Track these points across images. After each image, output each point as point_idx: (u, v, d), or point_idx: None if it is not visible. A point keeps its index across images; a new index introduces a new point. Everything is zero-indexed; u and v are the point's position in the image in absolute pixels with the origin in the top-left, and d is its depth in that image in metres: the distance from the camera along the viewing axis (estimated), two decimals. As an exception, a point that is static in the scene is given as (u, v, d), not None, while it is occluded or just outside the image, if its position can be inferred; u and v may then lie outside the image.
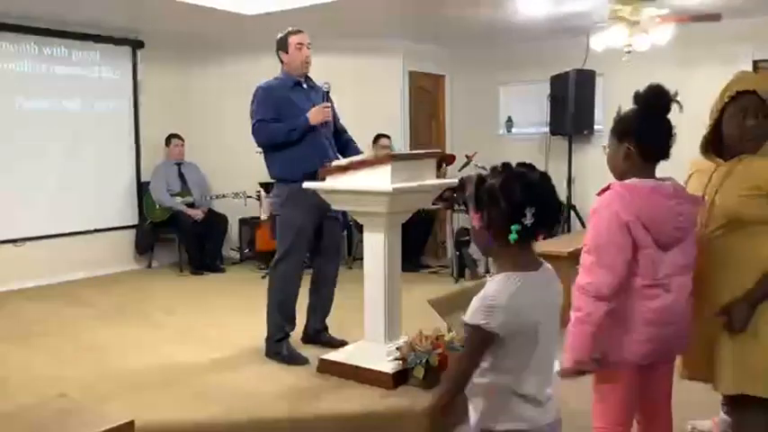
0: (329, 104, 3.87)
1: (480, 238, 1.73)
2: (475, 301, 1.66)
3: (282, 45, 3.90)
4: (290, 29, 3.93)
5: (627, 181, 2.08)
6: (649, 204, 2.03)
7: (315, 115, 3.77)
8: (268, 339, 3.91)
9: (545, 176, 1.67)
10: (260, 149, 3.89)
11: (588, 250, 2.08)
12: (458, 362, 1.75)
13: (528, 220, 1.60)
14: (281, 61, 3.94)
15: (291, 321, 3.93)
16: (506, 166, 1.69)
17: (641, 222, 2.01)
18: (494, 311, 1.62)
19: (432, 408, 1.70)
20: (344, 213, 4.17)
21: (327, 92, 3.91)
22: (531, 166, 1.69)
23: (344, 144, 4.07)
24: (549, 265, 1.77)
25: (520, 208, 1.60)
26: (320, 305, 4.08)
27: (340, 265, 4.23)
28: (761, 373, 2.19)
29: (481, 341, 1.64)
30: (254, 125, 3.83)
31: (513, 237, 1.61)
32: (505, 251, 1.68)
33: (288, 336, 3.92)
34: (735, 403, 2.35)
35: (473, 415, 1.78)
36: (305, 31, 3.92)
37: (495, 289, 1.65)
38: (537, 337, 1.67)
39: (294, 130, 3.76)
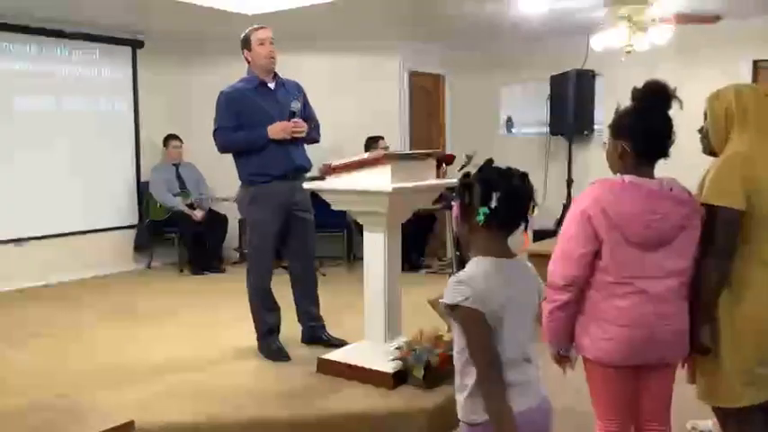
0: (291, 125, 3.75)
1: (458, 226, 1.82)
2: (450, 283, 1.74)
3: (246, 42, 3.84)
4: (254, 25, 3.88)
5: (606, 178, 2.09)
6: (619, 200, 2.00)
7: (275, 131, 3.74)
8: (257, 336, 3.97)
9: (523, 176, 1.75)
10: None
11: (557, 239, 2.15)
12: (473, 355, 1.69)
13: (493, 203, 1.69)
14: (247, 61, 3.89)
15: (272, 314, 3.94)
16: (489, 161, 1.78)
17: (609, 218, 1.98)
18: (467, 288, 1.69)
19: (492, 413, 1.68)
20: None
21: (294, 112, 3.80)
22: (514, 169, 1.76)
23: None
24: (525, 262, 1.87)
25: (488, 192, 1.70)
26: (304, 303, 4.07)
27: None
28: (717, 386, 2.20)
29: (475, 319, 1.69)
30: (214, 132, 3.85)
31: (479, 218, 1.71)
32: (478, 237, 1.77)
33: (274, 331, 3.94)
34: (726, 414, 2.35)
35: (459, 409, 1.81)
36: (268, 27, 3.85)
37: (466, 270, 1.75)
38: (502, 321, 1.70)
39: (253, 143, 3.77)
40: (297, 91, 3.98)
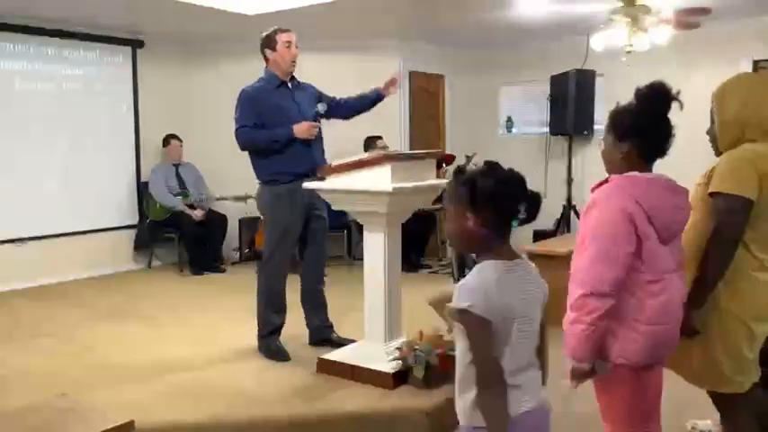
0: (318, 125, 3.86)
1: (469, 238, 1.72)
2: (458, 288, 1.70)
3: (269, 43, 3.87)
4: (276, 27, 3.91)
5: (626, 174, 2.06)
6: (650, 195, 1.99)
7: (300, 130, 3.77)
8: (258, 335, 3.96)
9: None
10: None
11: (586, 245, 2.00)
12: (476, 366, 1.67)
13: (522, 215, 1.68)
14: (267, 59, 3.92)
15: (280, 316, 3.95)
16: (493, 165, 1.72)
17: (645, 213, 1.96)
18: (477, 294, 1.65)
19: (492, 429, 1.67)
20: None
21: (320, 113, 3.89)
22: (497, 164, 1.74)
23: (343, 105, 4.09)
24: (529, 262, 1.80)
25: (515, 205, 1.68)
26: (313, 304, 4.08)
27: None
28: (702, 370, 2.23)
29: (481, 328, 1.65)
30: (236, 130, 3.85)
31: (514, 226, 1.70)
32: (492, 246, 1.73)
33: (277, 331, 3.94)
34: (716, 400, 2.36)
35: (459, 411, 1.79)
36: (291, 30, 3.90)
37: (479, 275, 1.70)
38: (513, 323, 1.68)
39: (276, 141, 3.78)
40: (312, 90, 4.04)
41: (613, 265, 1.94)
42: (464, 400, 1.75)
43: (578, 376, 2.03)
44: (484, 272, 1.70)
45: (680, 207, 2.04)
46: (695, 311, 2.18)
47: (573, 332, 1.97)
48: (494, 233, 1.71)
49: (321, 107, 3.92)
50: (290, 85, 3.94)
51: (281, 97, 3.88)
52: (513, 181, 1.69)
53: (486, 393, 1.66)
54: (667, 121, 2.06)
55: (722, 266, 2.15)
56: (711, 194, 2.16)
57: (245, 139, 3.84)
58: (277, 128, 3.79)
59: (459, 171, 1.75)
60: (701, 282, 2.17)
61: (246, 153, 3.95)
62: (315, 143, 3.90)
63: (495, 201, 1.68)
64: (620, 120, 2.10)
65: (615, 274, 1.94)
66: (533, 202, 1.70)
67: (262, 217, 4.10)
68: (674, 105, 2.07)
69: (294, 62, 3.89)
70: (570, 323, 1.99)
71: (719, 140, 2.28)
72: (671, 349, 2.13)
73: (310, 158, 3.83)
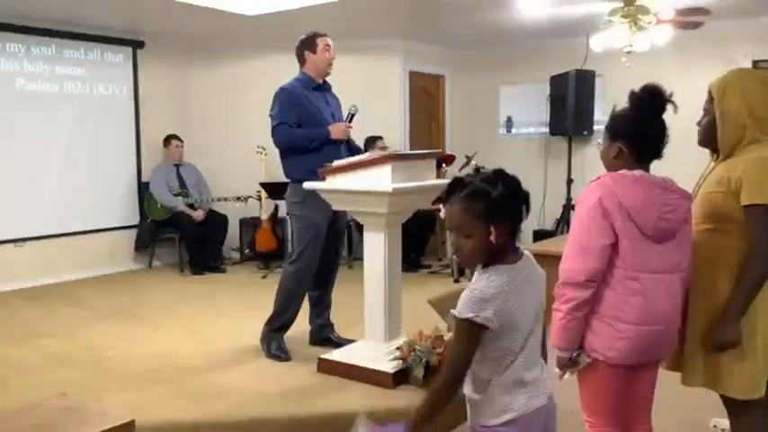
0: (351, 126, 3.95)
1: (489, 252, 1.68)
2: (465, 295, 1.69)
3: (310, 45, 3.94)
4: (315, 30, 3.98)
5: (616, 172, 2.08)
6: (632, 192, 2.00)
7: (336, 131, 3.86)
8: (266, 326, 3.96)
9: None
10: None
11: (570, 237, 2.07)
12: (450, 360, 1.75)
13: (525, 218, 1.70)
14: (304, 60, 3.96)
15: (294, 314, 3.96)
16: (499, 173, 1.70)
17: (625, 210, 1.98)
18: (484, 304, 1.64)
19: (423, 409, 1.72)
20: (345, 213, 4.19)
21: (353, 114, 3.99)
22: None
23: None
24: (528, 253, 1.80)
25: (521, 211, 1.69)
26: (322, 302, 4.10)
27: (340, 265, 4.26)
28: (724, 372, 2.19)
29: (473, 335, 1.67)
30: (274, 127, 3.87)
31: (519, 233, 1.72)
32: (505, 253, 1.72)
33: (286, 328, 3.95)
34: (731, 404, 2.35)
35: (469, 412, 1.80)
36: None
37: (486, 282, 1.68)
38: (521, 326, 1.69)
39: (314, 140, 3.83)
40: (334, 93, 4.10)
41: (590, 256, 1.99)
42: (472, 399, 1.76)
43: (562, 365, 2.09)
44: (490, 279, 1.68)
45: (670, 205, 2.01)
46: (737, 324, 2.12)
47: (553, 321, 2.03)
48: (510, 241, 1.71)
49: (354, 108, 3.99)
50: (323, 87, 4.01)
51: (316, 98, 3.94)
52: (518, 186, 1.69)
53: (442, 391, 1.72)
54: (661, 122, 2.06)
55: (765, 276, 2.12)
56: (747, 206, 2.11)
57: (283, 137, 3.86)
58: (313, 128, 3.84)
59: (461, 184, 1.71)
60: (741, 292, 2.12)
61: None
62: (342, 144, 3.96)
63: (511, 210, 1.68)
64: (615, 122, 2.13)
65: (593, 264, 1.98)
66: (528, 206, 1.72)
67: (288, 215, 4.10)
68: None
69: (331, 65, 3.97)
70: (553, 311, 2.04)
71: (720, 139, 2.24)
72: (663, 352, 2.13)
73: (339, 158, 3.84)
